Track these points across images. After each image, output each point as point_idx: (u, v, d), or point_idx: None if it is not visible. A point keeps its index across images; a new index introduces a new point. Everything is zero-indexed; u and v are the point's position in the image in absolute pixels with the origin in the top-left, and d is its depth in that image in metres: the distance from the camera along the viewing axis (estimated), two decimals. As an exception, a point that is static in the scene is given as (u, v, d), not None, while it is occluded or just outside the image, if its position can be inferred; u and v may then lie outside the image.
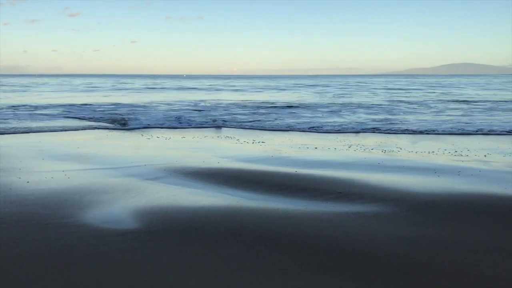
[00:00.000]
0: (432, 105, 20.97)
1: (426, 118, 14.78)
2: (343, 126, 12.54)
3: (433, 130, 11.54)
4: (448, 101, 24.33)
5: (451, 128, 11.84)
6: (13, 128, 11.78)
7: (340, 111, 17.92)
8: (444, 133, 11.15)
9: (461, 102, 23.01)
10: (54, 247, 3.51)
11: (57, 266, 3.18)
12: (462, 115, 15.90)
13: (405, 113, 17.12)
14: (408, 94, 32.15)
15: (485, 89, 39.73)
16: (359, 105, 21.15)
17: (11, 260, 3.28)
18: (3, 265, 3.21)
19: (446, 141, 9.68)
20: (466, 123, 13.37)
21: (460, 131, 11.35)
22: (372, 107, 20.18)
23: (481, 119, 14.41)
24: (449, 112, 17.10)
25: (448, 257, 3.35)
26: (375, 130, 11.70)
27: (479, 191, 5.18)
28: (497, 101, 23.38)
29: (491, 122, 13.58)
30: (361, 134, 11.06)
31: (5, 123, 13.13)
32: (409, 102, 23.39)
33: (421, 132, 11.22)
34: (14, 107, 19.08)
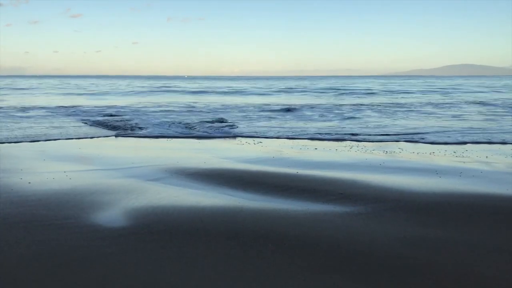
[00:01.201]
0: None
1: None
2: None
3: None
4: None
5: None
6: (21, 135, 11.77)
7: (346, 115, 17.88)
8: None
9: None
10: (55, 247, 3.51)
11: (59, 266, 3.19)
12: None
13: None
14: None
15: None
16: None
17: (13, 260, 3.29)
18: (5, 265, 3.22)
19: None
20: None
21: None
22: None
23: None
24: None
25: (449, 257, 3.35)
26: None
27: (481, 192, 5.18)
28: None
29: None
30: (362, 139, 11.03)
31: (10, 128, 13.13)
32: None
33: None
34: (22, 108, 19.14)
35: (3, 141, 9.54)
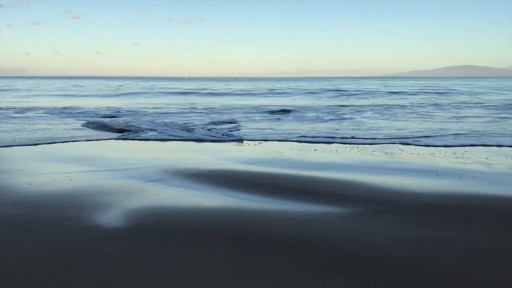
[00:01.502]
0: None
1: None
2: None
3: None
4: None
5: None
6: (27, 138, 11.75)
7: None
8: None
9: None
10: (56, 248, 3.51)
11: (59, 267, 3.19)
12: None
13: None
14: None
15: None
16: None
17: (13, 262, 3.29)
18: (5, 266, 3.22)
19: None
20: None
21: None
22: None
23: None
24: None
25: (450, 258, 3.35)
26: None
27: (481, 193, 5.17)
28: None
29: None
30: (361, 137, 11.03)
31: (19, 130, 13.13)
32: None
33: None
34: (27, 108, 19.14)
35: (3, 142, 9.54)
